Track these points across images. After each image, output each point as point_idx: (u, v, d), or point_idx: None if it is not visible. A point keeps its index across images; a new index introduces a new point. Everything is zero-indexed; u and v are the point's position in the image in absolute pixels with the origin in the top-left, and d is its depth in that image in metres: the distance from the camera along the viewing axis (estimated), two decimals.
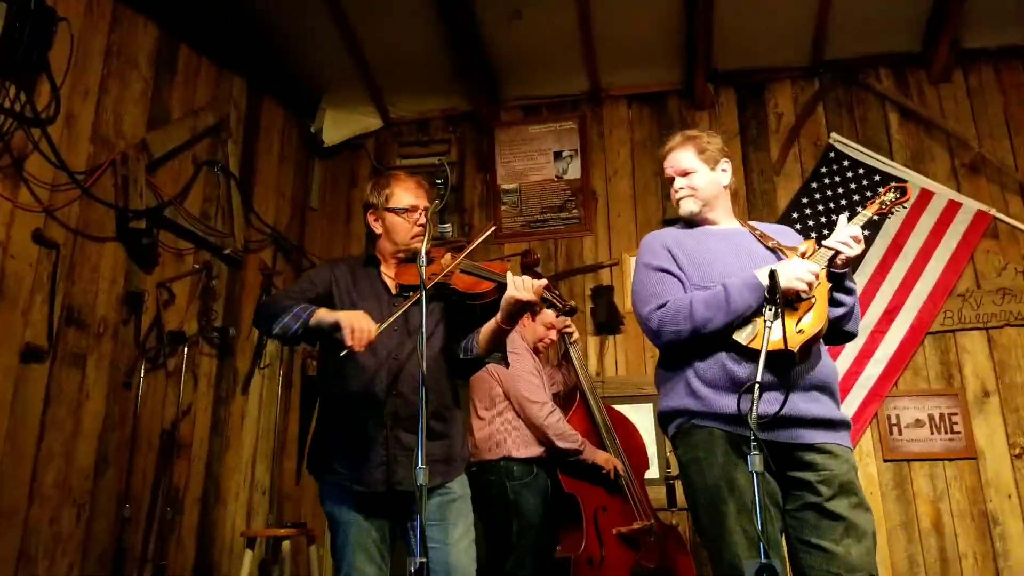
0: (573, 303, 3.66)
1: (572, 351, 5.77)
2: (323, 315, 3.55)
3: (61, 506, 4.83)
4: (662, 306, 3.55)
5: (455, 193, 7.23)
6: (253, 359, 6.55)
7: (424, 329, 3.21)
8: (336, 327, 3.45)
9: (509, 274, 3.61)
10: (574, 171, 7.15)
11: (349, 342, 3.38)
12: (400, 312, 3.57)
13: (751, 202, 6.93)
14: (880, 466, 6.20)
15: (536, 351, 5.63)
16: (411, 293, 3.70)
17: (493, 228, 4.75)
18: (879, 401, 6.38)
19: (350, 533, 3.61)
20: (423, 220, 3.75)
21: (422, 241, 3.44)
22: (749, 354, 3.43)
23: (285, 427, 6.77)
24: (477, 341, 3.79)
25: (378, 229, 3.95)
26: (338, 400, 3.74)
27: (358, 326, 3.37)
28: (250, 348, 6.55)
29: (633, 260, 6.30)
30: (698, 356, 3.52)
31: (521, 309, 3.62)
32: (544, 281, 3.57)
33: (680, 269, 3.64)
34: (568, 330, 5.80)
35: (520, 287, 3.56)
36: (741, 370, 3.41)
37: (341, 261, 3.99)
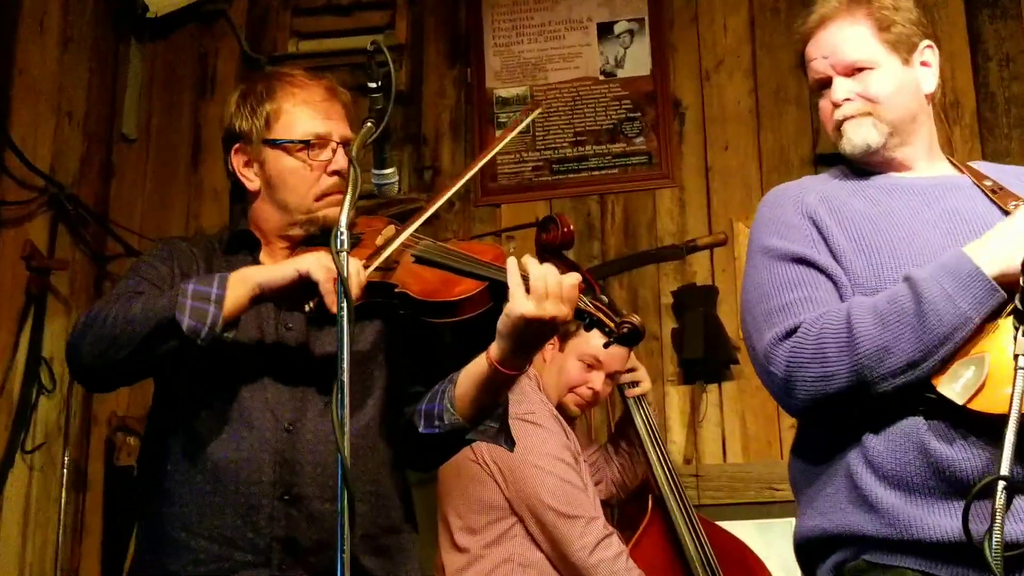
0: (637, 320, 2.22)
1: (637, 414, 3.93)
2: (251, 275, 2.32)
3: None
4: (793, 332, 2.29)
5: (406, 108, 5.09)
6: (11, 436, 4.51)
7: (345, 376, 2.01)
8: (301, 281, 2.27)
9: (511, 264, 2.23)
10: (637, 61, 4.97)
11: (328, 296, 2.25)
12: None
13: (986, 123, 4.70)
14: None
15: (567, 415, 3.78)
16: (307, 307, 2.33)
17: (490, 155, 2.73)
18: None
19: None
20: (340, 162, 2.48)
21: (339, 204, 2.18)
22: (972, 422, 2.19)
23: (75, 566, 4.87)
24: (452, 397, 2.39)
25: (253, 181, 2.56)
26: (176, 516, 2.39)
27: (328, 265, 2.26)
28: (3, 413, 4.55)
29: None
30: (870, 426, 2.29)
31: (536, 332, 2.22)
32: (578, 277, 2.22)
33: (834, 256, 2.42)
34: (631, 376, 3.93)
35: (535, 290, 2.18)
36: (957, 454, 2.18)
37: (185, 242, 2.62)
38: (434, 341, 2.53)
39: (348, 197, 2.12)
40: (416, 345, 2.53)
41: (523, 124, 2.62)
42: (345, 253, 2.06)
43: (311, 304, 2.24)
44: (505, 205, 4.98)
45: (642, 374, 4.03)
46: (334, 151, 2.47)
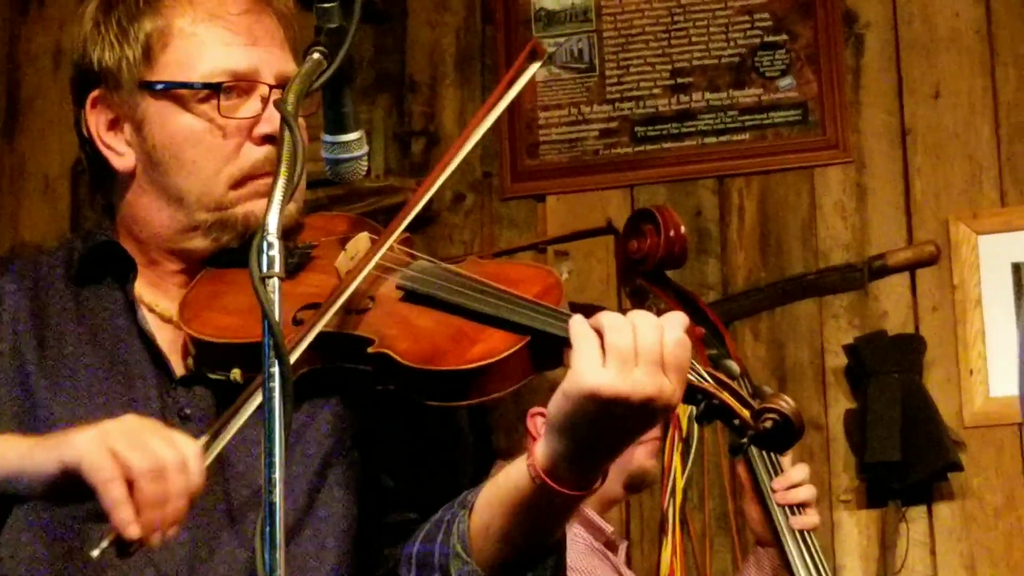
0: (789, 407, 1.70)
1: (794, 556, 3.16)
2: (11, 458, 1.89)
3: None
4: None
5: (381, 29, 4.51)
6: None
7: (277, 498, 1.71)
8: (69, 479, 1.79)
9: (576, 321, 1.83)
10: None
11: (127, 528, 1.72)
12: (226, 425, 1.92)
13: None
14: None
15: (638, 483, 3.52)
16: (231, 375, 2.00)
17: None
18: None
19: None
20: (276, 122, 1.94)
21: (268, 195, 1.80)
22: None
23: None
24: (465, 534, 1.97)
25: (123, 155, 2.18)
26: None
27: (146, 467, 1.76)
28: None
29: (981, 242, 4.18)
30: None
31: (617, 424, 1.81)
32: (686, 321, 1.79)
33: None
34: (786, 495, 3.18)
35: (615, 349, 1.78)
36: None
37: (9, 263, 2.32)
38: (436, 437, 2.14)
39: (280, 181, 1.79)
40: (404, 445, 2.15)
41: (519, 83, 2.10)
42: (276, 280, 1.72)
43: (104, 543, 1.74)
44: (552, 197, 4.38)
45: (806, 492, 3.13)
46: (265, 101, 2.10)
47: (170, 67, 2.08)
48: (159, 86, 2.09)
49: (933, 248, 4.03)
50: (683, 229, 3.02)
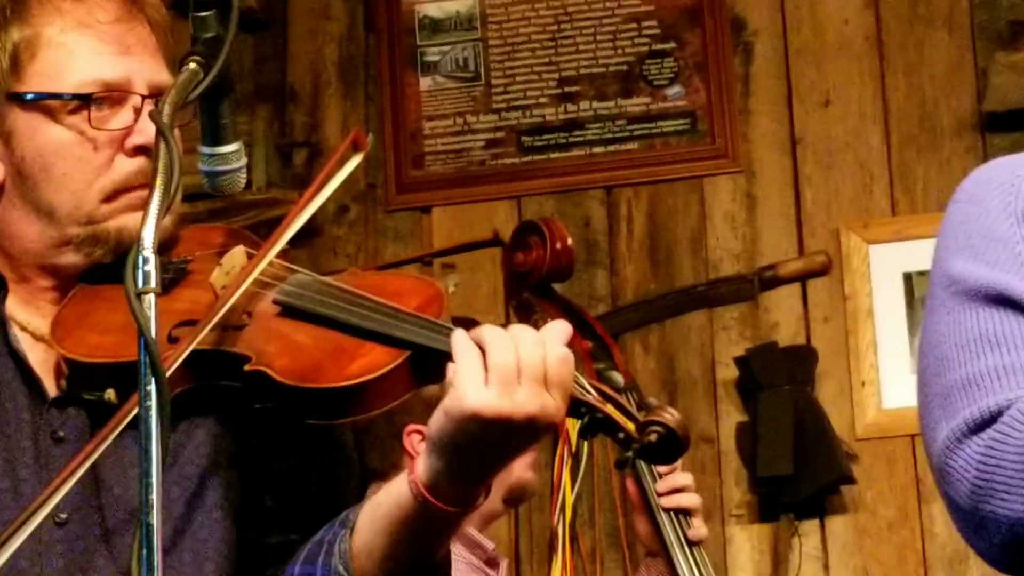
0: (674, 418, 1.73)
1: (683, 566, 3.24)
2: None
3: None
4: (989, 422, 1.82)
5: (260, 36, 4.49)
6: None
7: (154, 520, 1.61)
8: None
9: (458, 335, 1.81)
10: None
11: None
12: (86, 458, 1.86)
13: None
14: None
15: (517, 498, 3.50)
16: (106, 395, 1.93)
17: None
18: None
19: None
20: (149, 132, 1.94)
21: (143, 207, 1.74)
22: None
23: None
24: (346, 553, 1.89)
25: None
26: None
27: None
28: None
29: (872, 252, 4.21)
30: None
31: (499, 443, 1.80)
32: (568, 328, 1.80)
33: None
34: (670, 499, 3.25)
35: (498, 368, 1.76)
36: None
37: None
38: (318, 455, 2.09)
39: (156, 193, 1.75)
40: (284, 464, 2.08)
41: (341, 174, 2.01)
42: (152, 296, 1.70)
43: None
44: (438, 208, 4.38)
45: (689, 499, 3.16)
46: (137, 112, 2.06)
47: (39, 77, 2.01)
48: (27, 97, 2.02)
49: (824, 258, 4.03)
50: (570, 241, 3.08)
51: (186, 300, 1.92)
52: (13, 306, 2.02)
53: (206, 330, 1.83)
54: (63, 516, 1.92)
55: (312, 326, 1.86)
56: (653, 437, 1.71)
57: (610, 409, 1.74)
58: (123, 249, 1.89)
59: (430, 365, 1.79)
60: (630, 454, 1.73)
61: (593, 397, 1.75)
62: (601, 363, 2.97)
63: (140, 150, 1.94)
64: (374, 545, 1.85)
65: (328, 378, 1.80)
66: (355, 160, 2.01)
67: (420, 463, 1.77)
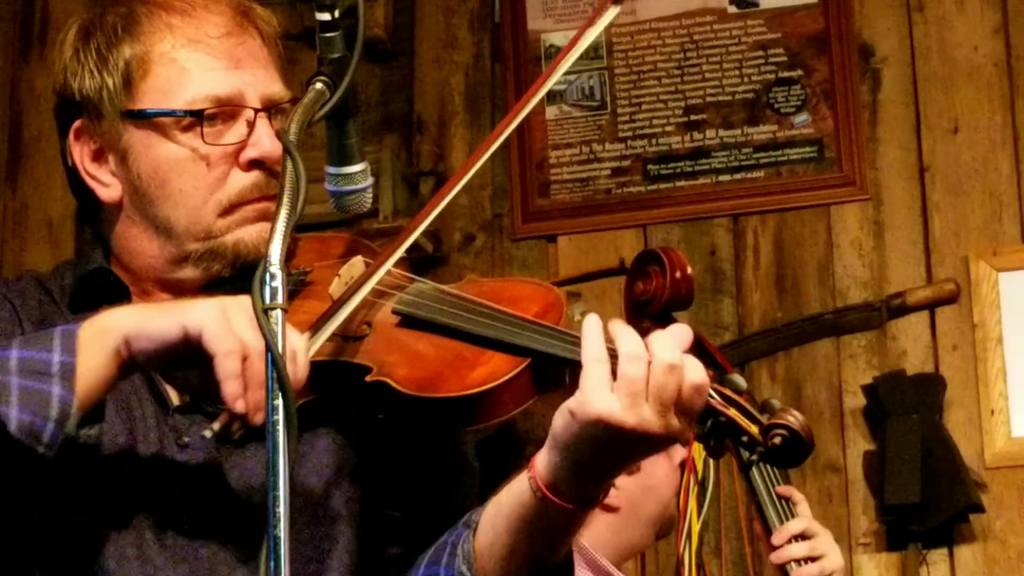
0: (798, 421, 1.75)
1: None
2: (113, 323, 1.88)
3: None
4: None
5: (388, 67, 4.52)
6: None
7: (282, 531, 1.67)
8: (186, 345, 1.85)
9: (590, 327, 1.80)
10: None
11: (235, 402, 1.79)
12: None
13: None
14: None
15: None
16: (220, 425, 1.91)
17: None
18: None
19: None
20: (265, 145, 2.08)
21: (262, 219, 2.04)
22: None
23: None
24: (470, 553, 1.97)
25: (108, 186, 2.16)
26: None
27: (262, 347, 1.75)
28: None
29: (1002, 280, 4.20)
30: None
31: (620, 449, 1.84)
32: (688, 334, 1.80)
33: None
34: (790, 552, 3.16)
35: (627, 378, 1.75)
36: None
37: (9, 288, 2.25)
38: (440, 465, 2.15)
39: (283, 212, 1.78)
40: (407, 474, 2.16)
41: (592, 30, 2.07)
42: (280, 312, 1.73)
43: (216, 425, 1.87)
44: (564, 237, 4.38)
45: (801, 549, 3.06)
46: (251, 125, 2.08)
47: (151, 95, 2.05)
48: (141, 114, 2.07)
49: (953, 286, 4.01)
50: (690, 270, 2.85)
51: (305, 312, 1.96)
52: None
53: (324, 339, 1.91)
54: (185, 524, 1.96)
55: (432, 335, 1.90)
56: (778, 440, 1.71)
57: (733, 412, 1.75)
58: (241, 263, 1.99)
59: (551, 372, 1.83)
60: (754, 457, 1.75)
61: (716, 401, 1.75)
62: (718, 378, 2.90)
63: (255, 164, 2.00)
64: (496, 544, 1.89)
65: (449, 387, 1.83)
66: (612, 12, 2.05)
67: (540, 459, 1.80)
